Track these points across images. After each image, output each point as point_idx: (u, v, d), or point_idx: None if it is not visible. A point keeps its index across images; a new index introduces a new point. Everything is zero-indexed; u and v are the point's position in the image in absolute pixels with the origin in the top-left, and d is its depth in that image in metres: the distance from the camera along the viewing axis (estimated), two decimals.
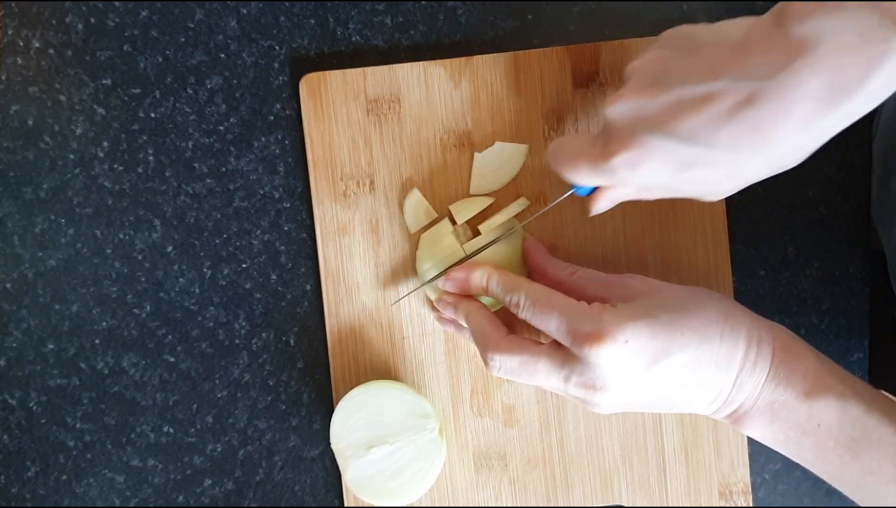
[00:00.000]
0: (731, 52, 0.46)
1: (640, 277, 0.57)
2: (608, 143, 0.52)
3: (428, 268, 0.63)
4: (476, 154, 0.65)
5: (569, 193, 0.60)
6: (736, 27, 0.47)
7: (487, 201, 0.64)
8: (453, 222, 0.65)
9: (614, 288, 0.56)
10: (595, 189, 0.59)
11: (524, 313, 0.55)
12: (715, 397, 0.53)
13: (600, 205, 0.60)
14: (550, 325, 0.53)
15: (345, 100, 0.65)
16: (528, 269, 0.63)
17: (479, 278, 0.59)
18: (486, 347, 0.57)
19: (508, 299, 0.56)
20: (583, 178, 0.55)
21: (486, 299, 0.61)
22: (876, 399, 0.52)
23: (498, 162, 0.65)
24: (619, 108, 0.51)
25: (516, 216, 0.65)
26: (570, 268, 0.60)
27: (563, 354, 0.53)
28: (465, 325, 0.60)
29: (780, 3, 0.45)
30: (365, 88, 0.65)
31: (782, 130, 0.45)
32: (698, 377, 0.52)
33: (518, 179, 0.66)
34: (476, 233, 0.64)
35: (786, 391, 0.52)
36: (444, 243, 0.63)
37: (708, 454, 0.66)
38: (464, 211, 0.64)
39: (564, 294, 0.56)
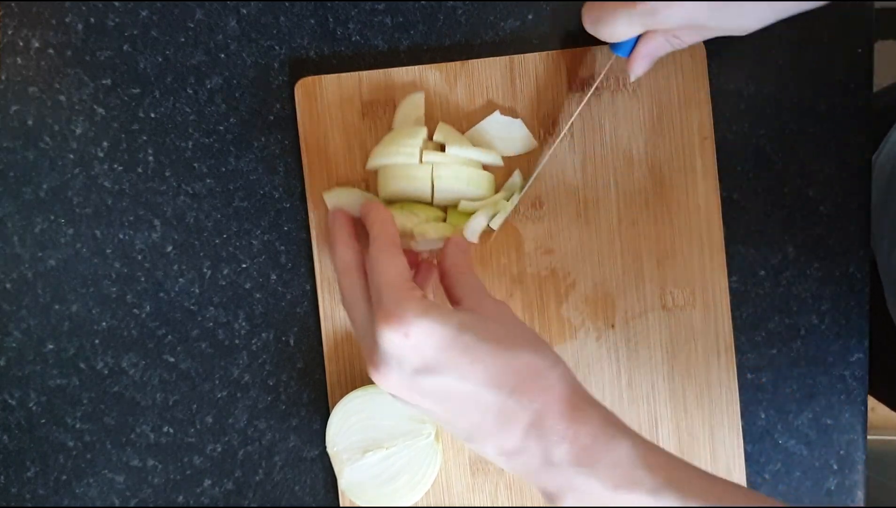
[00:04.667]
0: None
1: (506, 307, 0.54)
2: None
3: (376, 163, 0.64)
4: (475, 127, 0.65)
5: (611, 61, 0.63)
6: None
7: (469, 144, 0.64)
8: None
9: (472, 298, 0.54)
10: (632, 50, 0.61)
11: (371, 248, 0.53)
12: (499, 451, 0.49)
13: (639, 64, 0.61)
14: (372, 280, 0.52)
15: (340, 104, 0.65)
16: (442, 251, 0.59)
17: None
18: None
19: (371, 228, 0.55)
20: (621, 28, 0.58)
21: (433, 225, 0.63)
22: (699, 488, 0.48)
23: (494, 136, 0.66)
24: None
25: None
26: (464, 265, 0.56)
27: (371, 314, 0.51)
28: None
29: None
30: (360, 92, 0.65)
31: None
32: (473, 419, 0.49)
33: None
34: (441, 149, 0.64)
35: (591, 480, 0.47)
36: (406, 140, 0.63)
37: (704, 458, 0.66)
38: (446, 134, 0.64)
39: (448, 278, 0.55)
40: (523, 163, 0.65)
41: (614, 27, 0.58)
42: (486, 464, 0.66)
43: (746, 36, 0.67)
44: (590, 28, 0.60)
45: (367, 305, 0.53)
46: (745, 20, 0.54)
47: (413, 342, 0.48)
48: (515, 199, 0.64)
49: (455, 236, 0.59)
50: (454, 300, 0.55)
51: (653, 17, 0.56)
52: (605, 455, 0.48)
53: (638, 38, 0.60)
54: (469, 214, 0.64)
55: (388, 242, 0.54)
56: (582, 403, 0.49)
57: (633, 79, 0.62)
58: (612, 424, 0.49)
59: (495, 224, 0.64)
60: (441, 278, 0.57)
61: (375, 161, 0.63)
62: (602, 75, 0.63)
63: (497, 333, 0.50)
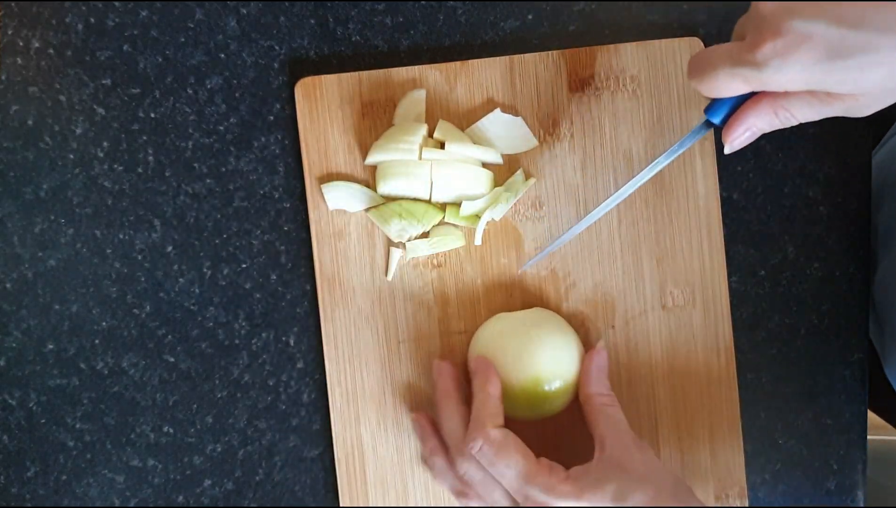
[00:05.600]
0: None
1: (650, 455, 0.57)
2: (756, 34, 0.45)
3: (377, 158, 0.63)
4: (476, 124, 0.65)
5: (701, 123, 0.54)
6: None
7: (469, 142, 0.64)
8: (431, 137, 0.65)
9: (618, 444, 0.57)
10: (728, 119, 0.52)
11: (481, 457, 0.56)
12: None
13: (737, 133, 0.52)
14: (506, 474, 0.55)
15: (340, 104, 0.65)
16: (581, 372, 0.62)
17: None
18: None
19: (469, 441, 0.57)
20: (723, 81, 0.48)
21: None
22: None
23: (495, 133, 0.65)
24: None
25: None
26: (609, 396, 0.60)
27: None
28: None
29: None
30: (360, 92, 0.65)
31: None
32: None
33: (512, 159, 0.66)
34: (441, 146, 0.64)
35: None
36: (406, 137, 0.63)
37: (704, 458, 0.66)
38: (446, 132, 0.64)
39: (592, 408, 0.59)
40: (523, 161, 0.65)
41: (715, 80, 0.48)
42: None
43: None
44: (694, 82, 0.50)
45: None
46: (868, 90, 0.45)
47: None
48: (521, 191, 0.64)
49: (597, 354, 0.62)
50: (596, 437, 0.58)
51: (760, 73, 0.46)
52: None
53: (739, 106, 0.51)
54: (468, 216, 0.64)
55: (497, 443, 0.56)
56: None
57: (727, 151, 0.53)
58: None
59: (497, 215, 0.64)
60: (582, 404, 0.60)
61: (375, 157, 0.63)
62: (692, 139, 0.56)
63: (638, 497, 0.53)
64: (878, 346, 0.74)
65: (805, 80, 0.45)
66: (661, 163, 0.58)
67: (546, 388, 0.60)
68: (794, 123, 0.50)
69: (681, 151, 0.57)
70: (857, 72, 0.44)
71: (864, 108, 0.47)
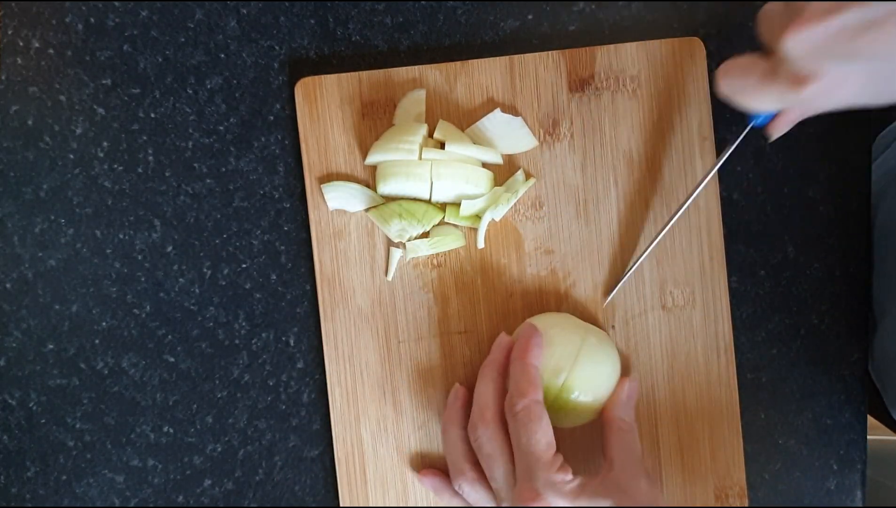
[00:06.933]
0: None
1: (656, 489, 0.58)
2: (796, 75, 0.47)
3: (376, 158, 0.63)
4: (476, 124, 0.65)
5: (748, 127, 0.58)
6: None
7: (469, 142, 0.64)
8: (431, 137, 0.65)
9: (627, 469, 0.57)
10: (773, 119, 0.57)
11: (518, 417, 0.56)
12: None
13: (781, 129, 0.57)
14: (530, 443, 0.55)
15: (340, 104, 0.65)
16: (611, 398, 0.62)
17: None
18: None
19: (517, 398, 0.57)
20: (767, 104, 0.52)
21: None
22: None
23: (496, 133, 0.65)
24: (800, 39, 0.44)
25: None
26: (630, 424, 0.61)
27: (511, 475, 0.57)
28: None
29: None
30: (360, 92, 0.65)
31: None
32: None
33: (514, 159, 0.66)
34: (441, 146, 0.64)
35: None
36: (406, 137, 0.63)
37: (703, 457, 0.66)
38: (446, 132, 0.64)
39: (611, 430, 0.60)
40: (523, 161, 0.65)
41: (760, 103, 0.51)
42: None
43: (746, 36, 0.67)
44: (727, 94, 0.52)
45: (509, 465, 0.57)
46: None
47: None
48: (521, 191, 0.64)
49: (630, 382, 0.62)
50: (607, 457, 0.59)
51: (807, 104, 0.50)
52: None
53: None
54: (468, 216, 0.64)
55: (538, 412, 0.56)
56: None
57: (772, 139, 0.57)
58: None
59: (497, 215, 0.64)
60: (603, 424, 0.61)
61: (375, 157, 0.63)
62: (739, 139, 0.59)
63: None
64: (880, 388, 0.74)
65: (851, 102, 0.48)
66: (712, 172, 0.62)
67: (573, 397, 0.60)
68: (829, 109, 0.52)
69: (727, 156, 0.61)
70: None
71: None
